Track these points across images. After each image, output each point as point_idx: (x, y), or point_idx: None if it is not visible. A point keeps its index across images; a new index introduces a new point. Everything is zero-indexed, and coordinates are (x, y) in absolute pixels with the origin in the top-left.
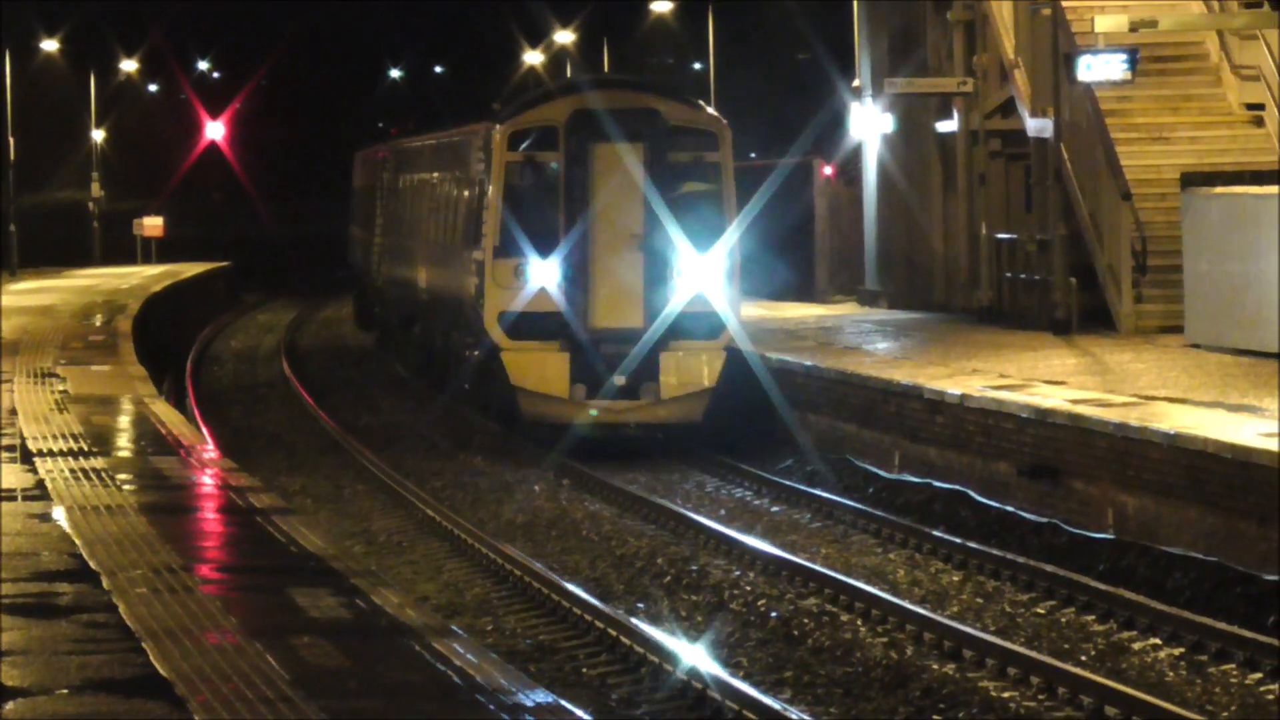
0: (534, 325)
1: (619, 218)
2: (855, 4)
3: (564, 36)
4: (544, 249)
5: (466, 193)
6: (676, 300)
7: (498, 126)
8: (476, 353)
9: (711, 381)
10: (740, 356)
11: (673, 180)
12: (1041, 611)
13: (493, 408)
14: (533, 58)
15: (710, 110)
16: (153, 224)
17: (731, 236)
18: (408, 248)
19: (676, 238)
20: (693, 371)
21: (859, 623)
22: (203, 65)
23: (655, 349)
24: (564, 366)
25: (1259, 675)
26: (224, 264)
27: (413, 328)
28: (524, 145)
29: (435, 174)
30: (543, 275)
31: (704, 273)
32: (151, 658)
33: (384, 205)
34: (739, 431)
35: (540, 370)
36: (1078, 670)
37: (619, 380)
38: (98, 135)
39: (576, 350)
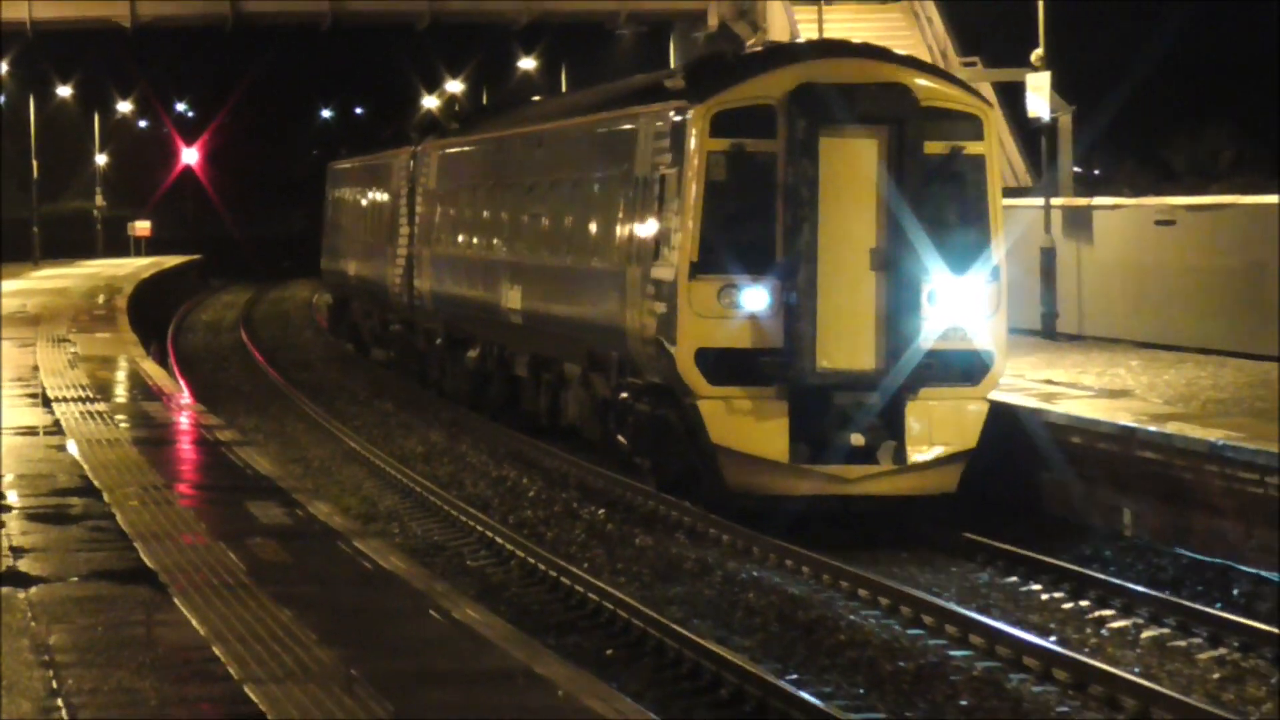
0: (743, 366)
1: (855, 226)
2: (671, 54)
3: (454, 85)
4: (756, 267)
5: (628, 194)
6: (928, 334)
7: (694, 107)
8: (647, 401)
9: (971, 442)
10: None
11: (925, 178)
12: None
13: (673, 472)
14: (429, 102)
15: (973, 89)
16: (142, 226)
17: (998, 251)
18: (478, 262)
19: (928, 253)
20: (948, 427)
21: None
22: (180, 106)
23: (899, 398)
24: (782, 420)
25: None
26: (197, 257)
27: (466, 352)
28: (729, 131)
29: (555, 171)
30: (754, 300)
31: (963, 298)
32: (141, 554)
33: (421, 212)
34: None
35: (751, 425)
36: (921, 594)
37: (855, 439)
38: (100, 159)
39: (799, 399)
